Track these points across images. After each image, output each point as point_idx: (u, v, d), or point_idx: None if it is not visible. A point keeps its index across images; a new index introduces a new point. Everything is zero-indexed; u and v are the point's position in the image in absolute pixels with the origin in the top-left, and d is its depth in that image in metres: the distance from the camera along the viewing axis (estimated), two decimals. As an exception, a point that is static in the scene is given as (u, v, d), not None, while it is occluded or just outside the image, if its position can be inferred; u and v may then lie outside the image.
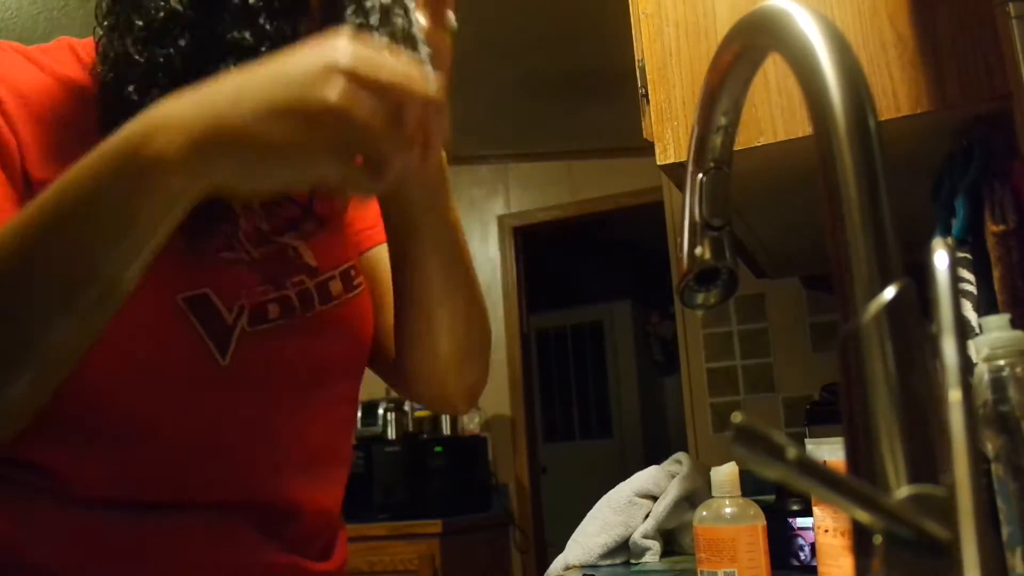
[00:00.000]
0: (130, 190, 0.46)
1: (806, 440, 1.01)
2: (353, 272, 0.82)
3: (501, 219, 4.26)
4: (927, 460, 0.35)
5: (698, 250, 0.54)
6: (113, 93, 0.65)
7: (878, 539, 0.34)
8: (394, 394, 3.57)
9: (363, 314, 0.82)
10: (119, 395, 0.66)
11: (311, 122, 0.45)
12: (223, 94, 0.46)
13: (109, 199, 0.47)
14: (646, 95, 1.07)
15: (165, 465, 0.68)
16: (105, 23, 0.67)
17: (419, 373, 0.83)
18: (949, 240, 0.35)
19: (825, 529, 0.93)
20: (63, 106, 0.67)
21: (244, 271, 0.72)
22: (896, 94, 0.94)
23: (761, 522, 0.93)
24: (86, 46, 0.73)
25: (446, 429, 3.78)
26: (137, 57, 0.64)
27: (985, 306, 0.85)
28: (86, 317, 0.51)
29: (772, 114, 0.99)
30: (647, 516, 1.41)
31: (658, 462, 1.52)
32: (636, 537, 1.38)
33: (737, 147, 0.67)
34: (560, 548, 1.45)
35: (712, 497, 0.95)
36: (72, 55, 0.72)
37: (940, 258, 0.35)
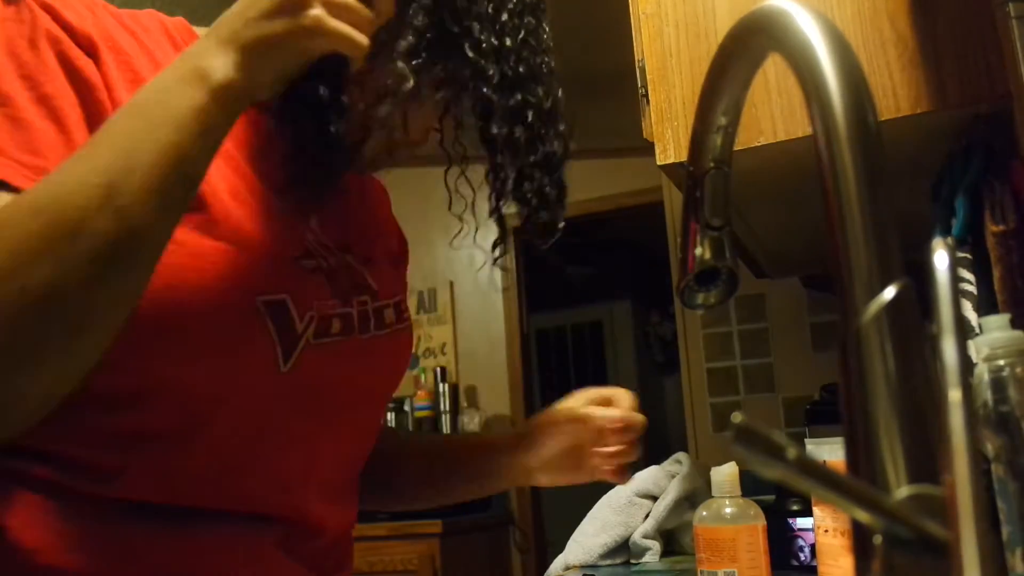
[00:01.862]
0: (213, 108, 0.59)
1: (806, 440, 1.01)
2: (403, 306, 0.84)
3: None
4: (927, 460, 0.35)
5: (698, 250, 0.54)
6: None
7: (878, 539, 0.34)
8: (394, 394, 3.57)
9: (406, 347, 0.84)
10: (182, 389, 0.65)
11: (284, 9, 0.59)
12: (232, 26, 0.61)
13: (198, 118, 0.59)
14: (646, 95, 1.07)
15: (206, 470, 0.67)
16: None
17: (378, 496, 0.95)
18: (949, 240, 0.35)
19: (825, 529, 0.93)
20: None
21: (319, 280, 0.73)
22: (896, 94, 0.94)
23: (761, 522, 0.93)
24: (178, 27, 0.74)
25: (446, 429, 3.78)
26: None
27: (985, 306, 0.85)
28: (174, 217, 0.60)
29: (772, 114, 0.99)
30: (647, 516, 1.41)
31: (658, 462, 1.52)
32: (636, 537, 1.38)
33: (737, 147, 0.68)
34: (560, 548, 1.45)
35: (712, 497, 0.95)
36: (165, 35, 0.72)
37: (940, 258, 0.35)
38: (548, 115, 0.75)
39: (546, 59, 0.75)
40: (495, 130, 0.73)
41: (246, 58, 0.60)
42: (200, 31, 0.75)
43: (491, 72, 0.71)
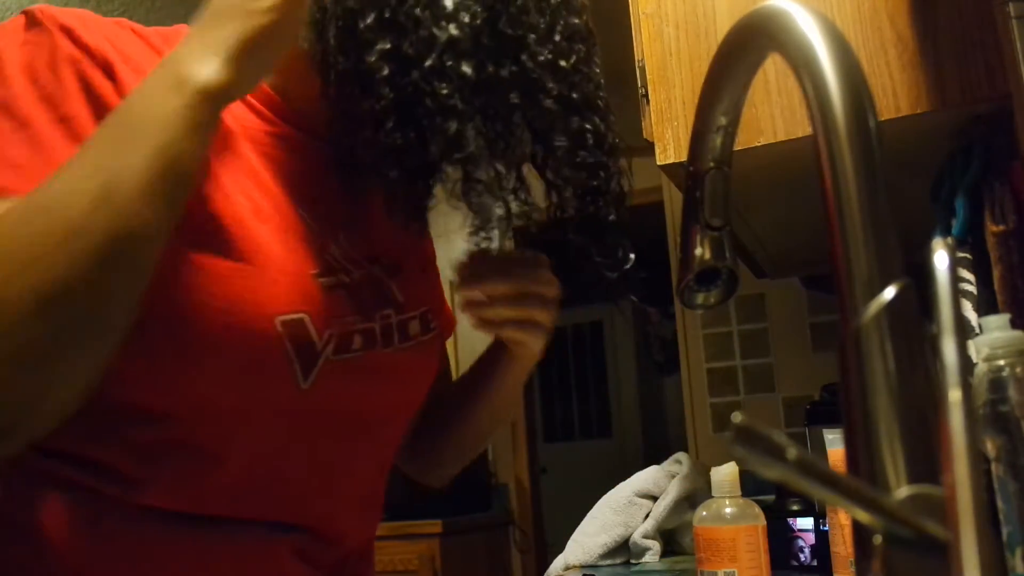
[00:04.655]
0: (198, 110, 0.60)
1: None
2: (430, 315, 0.83)
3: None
4: (927, 460, 0.35)
5: (698, 250, 0.54)
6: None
7: (878, 539, 0.34)
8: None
9: (431, 360, 0.83)
10: (206, 406, 0.65)
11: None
12: (213, 28, 0.61)
13: (183, 119, 0.59)
14: (646, 95, 1.07)
15: (230, 481, 0.68)
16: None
17: (428, 460, 0.97)
18: (949, 240, 0.35)
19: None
20: None
21: (339, 297, 0.72)
22: (896, 94, 0.94)
23: (761, 522, 0.93)
24: None
25: (446, 429, 3.77)
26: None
27: (985, 306, 0.85)
28: (170, 214, 0.60)
29: (772, 114, 0.99)
30: (647, 516, 1.41)
31: (658, 462, 1.52)
32: (636, 537, 1.38)
33: (737, 147, 0.67)
34: (560, 548, 1.45)
35: (712, 497, 0.95)
36: None
37: (940, 258, 0.35)
38: (611, 147, 0.72)
39: (601, 93, 0.72)
40: (557, 143, 0.69)
41: (230, 63, 0.61)
42: None
43: (550, 85, 0.67)
